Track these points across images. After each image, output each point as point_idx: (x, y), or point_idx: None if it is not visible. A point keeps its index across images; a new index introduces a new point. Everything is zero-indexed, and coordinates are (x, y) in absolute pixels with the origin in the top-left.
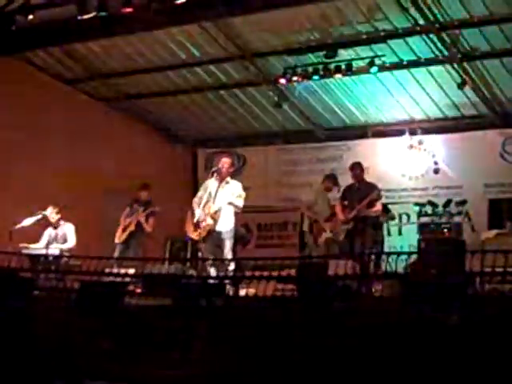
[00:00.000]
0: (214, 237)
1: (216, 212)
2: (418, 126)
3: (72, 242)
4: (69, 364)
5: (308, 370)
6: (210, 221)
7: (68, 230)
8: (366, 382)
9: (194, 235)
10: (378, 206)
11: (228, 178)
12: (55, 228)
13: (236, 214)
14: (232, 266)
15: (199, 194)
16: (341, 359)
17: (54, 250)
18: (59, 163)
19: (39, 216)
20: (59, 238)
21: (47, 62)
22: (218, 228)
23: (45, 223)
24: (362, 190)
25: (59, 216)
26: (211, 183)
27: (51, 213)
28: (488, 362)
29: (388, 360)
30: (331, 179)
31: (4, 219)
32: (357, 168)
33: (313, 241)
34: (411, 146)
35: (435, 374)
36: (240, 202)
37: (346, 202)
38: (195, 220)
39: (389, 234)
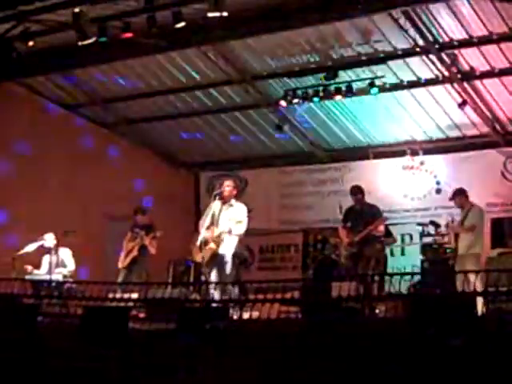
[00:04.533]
0: (217, 260)
1: (219, 236)
2: (420, 147)
3: (71, 265)
4: None
5: None
6: (212, 245)
7: (65, 254)
8: None
9: (199, 258)
10: (381, 228)
11: (232, 201)
12: (55, 253)
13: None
14: (236, 290)
15: (203, 216)
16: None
17: (57, 275)
18: (59, 189)
19: (41, 242)
20: (59, 263)
21: (47, 87)
22: (221, 251)
23: (44, 250)
24: (364, 212)
25: (56, 242)
26: (216, 206)
27: (49, 239)
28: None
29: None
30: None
31: (6, 246)
32: (357, 192)
33: None
34: (412, 167)
35: None
36: (239, 229)
37: (348, 224)
38: (197, 243)
39: (392, 254)
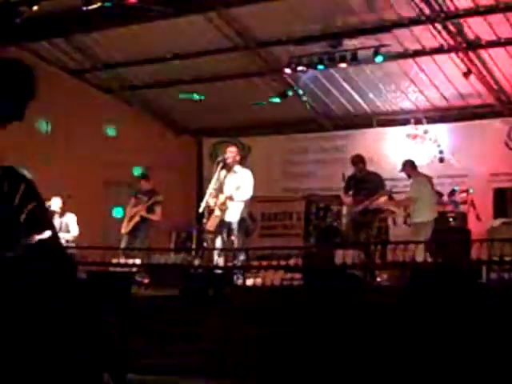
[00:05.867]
0: (224, 227)
1: (223, 203)
2: (423, 116)
3: (75, 231)
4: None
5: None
6: (218, 212)
7: (70, 219)
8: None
9: (209, 226)
10: (382, 200)
11: (237, 167)
12: (59, 218)
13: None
14: (242, 256)
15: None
16: (349, 347)
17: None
18: (62, 153)
19: (47, 206)
20: (63, 228)
21: (52, 52)
22: (226, 218)
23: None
24: (366, 180)
25: (62, 206)
26: (221, 173)
27: (55, 203)
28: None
29: (395, 348)
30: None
31: None
32: (358, 161)
33: None
34: (416, 136)
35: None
36: (242, 195)
37: (350, 193)
38: (200, 210)
39: (394, 223)
